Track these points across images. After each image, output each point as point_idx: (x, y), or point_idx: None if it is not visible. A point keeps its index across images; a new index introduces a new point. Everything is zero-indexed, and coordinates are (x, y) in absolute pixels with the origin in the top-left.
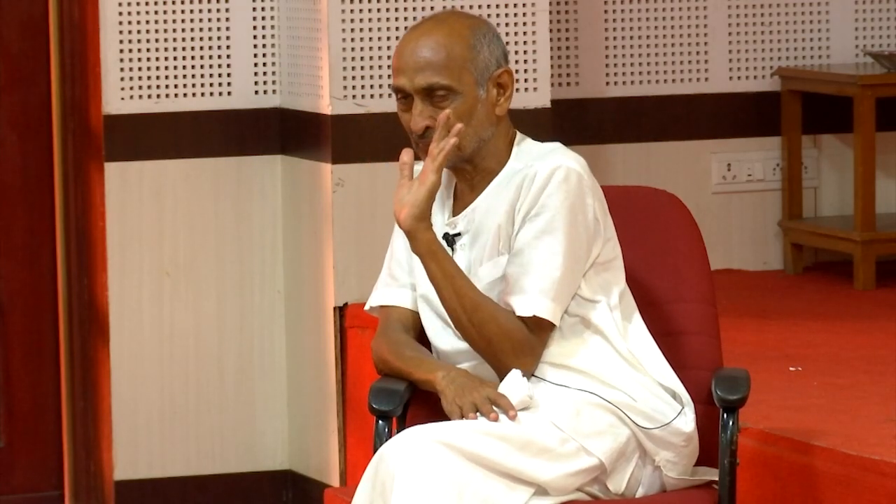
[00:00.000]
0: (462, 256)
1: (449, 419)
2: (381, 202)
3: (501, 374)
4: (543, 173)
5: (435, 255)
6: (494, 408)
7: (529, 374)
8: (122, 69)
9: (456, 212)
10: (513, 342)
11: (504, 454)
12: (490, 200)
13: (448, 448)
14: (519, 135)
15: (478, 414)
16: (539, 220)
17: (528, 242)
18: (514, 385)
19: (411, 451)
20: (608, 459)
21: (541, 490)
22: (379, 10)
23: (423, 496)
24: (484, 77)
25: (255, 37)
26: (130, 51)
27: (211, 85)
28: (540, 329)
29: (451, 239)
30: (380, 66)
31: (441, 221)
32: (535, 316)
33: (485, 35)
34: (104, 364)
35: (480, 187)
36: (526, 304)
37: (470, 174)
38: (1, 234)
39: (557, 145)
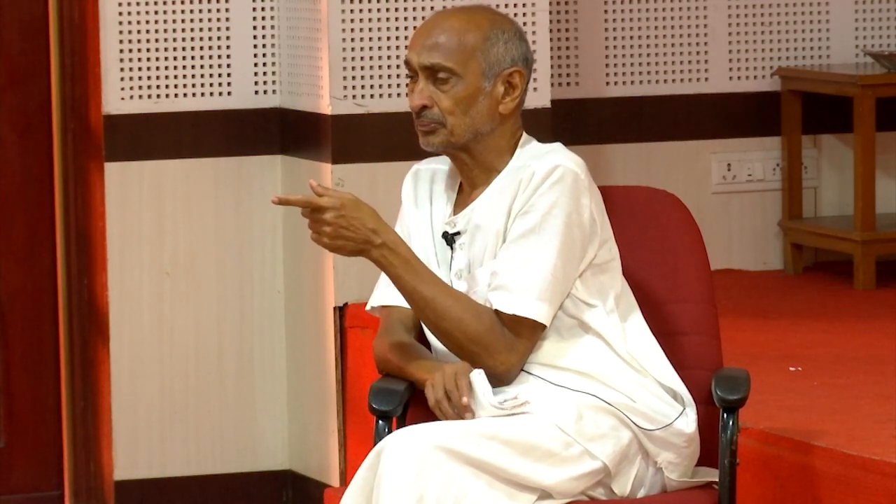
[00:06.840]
0: (461, 256)
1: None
2: (381, 202)
3: (488, 373)
4: (540, 172)
5: (397, 266)
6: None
7: (511, 371)
8: (122, 69)
9: (457, 210)
10: (483, 345)
11: (507, 459)
12: (490, 201)
13: (449, 454)
14: (525, 136)
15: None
16: (530, 217)
17: (516, 240)
18: (479, 384)
19: (409, 455)
20: (612, 462)
21: (545, 494)
22: (379, 10)
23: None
24: (493, 71)
25: (255, 37)
26: (130, 51)
27: (211, 85)
28: (525, 327)
29: (450, 238)
30: (380, 66)
31: (441, 219)
32: (515, 315)
33: (504, 32)
34: (104, 364)
35: (481, 186)
36: (508, 301)
37: (470, 169)
38: (1, 234)
39: (557, 145)
